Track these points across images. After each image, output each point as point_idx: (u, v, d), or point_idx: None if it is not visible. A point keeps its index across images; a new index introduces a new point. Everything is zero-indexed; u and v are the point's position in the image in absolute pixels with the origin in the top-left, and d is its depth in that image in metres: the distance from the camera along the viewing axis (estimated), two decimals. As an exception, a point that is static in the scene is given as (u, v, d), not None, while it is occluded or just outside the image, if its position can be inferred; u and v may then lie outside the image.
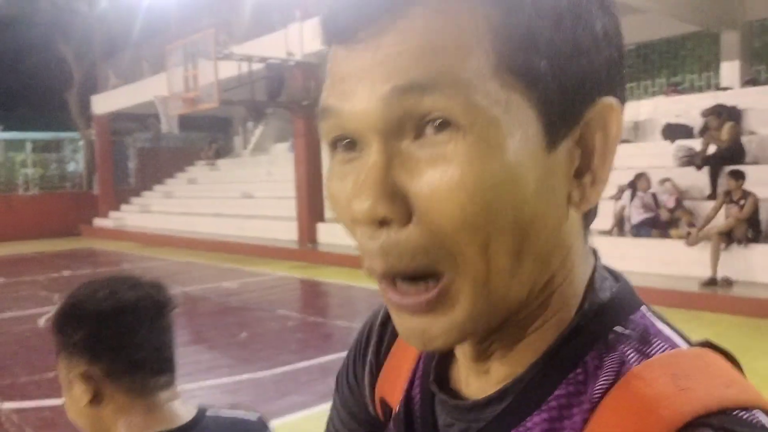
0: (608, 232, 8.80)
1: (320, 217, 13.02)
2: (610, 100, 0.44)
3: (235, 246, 13.81)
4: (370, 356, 0.62)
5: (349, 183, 0.43)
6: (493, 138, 0.40)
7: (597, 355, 0.44)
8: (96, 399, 1.06)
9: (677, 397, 0.39)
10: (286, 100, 12.97)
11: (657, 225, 8.31)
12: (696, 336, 0.46)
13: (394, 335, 0.60)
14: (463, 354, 0.50)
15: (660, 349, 0.43)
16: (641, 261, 8.05)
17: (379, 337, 0.62)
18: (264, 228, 14.49)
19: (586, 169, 0.45)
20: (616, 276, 0.50)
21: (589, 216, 0.48)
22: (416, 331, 0.44)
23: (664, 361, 0.42)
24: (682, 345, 0.44)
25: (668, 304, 7.06)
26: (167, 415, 1.09)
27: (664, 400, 0.39)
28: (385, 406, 0.59)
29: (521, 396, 0.45)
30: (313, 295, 9.88)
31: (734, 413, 0.38)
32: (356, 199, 0.41)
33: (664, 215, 8.31)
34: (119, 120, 21.33)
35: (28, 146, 21.50)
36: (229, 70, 12.34)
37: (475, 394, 0.49)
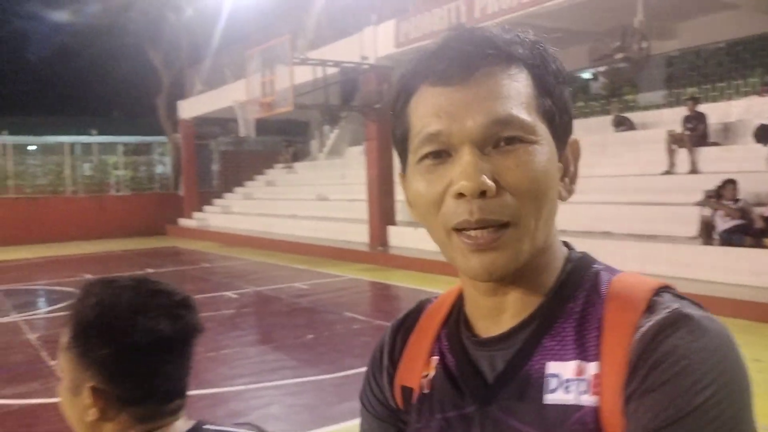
0: (694, 239, 8.33)
1: (391, 220, 13.02)
2: (574, 137, 0.75)
3: (309, 247, 14.04)
4: (386, 363, 0.83)
5: (442, 179, 0.66)
6: (543, 147, 0.68)
7: (589, 279, 0.72)
8: (102, 417, 1.01)
9: (644, 282, 0.69)
10: (359, 104, 13.06)
11: (749, 233, 7.78)
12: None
13: (405, 337, 0.83)
14: (477, 308, 0.75)
15: (620, 272, 0.73)
16: (730, 271, 7.58)
17: (392, 345, 0.84)
18: (337, 230, 14.66)
19: (566, 175, 0.74)
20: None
21: None
22: (485, 264, 0.66)
23: (627, 274, 0.72)
24: None
25: (758, 319, 6.59)
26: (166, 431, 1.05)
27: (639, 283, 0.69)
28: (406, 390, 0.79)
29: (549, 312, 0.70)
30: (381, 299, 9.88)
31: (670, 290, 0.68)
32: (465, 180, 0.64)
33: (758, 223, 7.76)
34: (204, 124, 22.19)
35: (120, 149, 22.74)
36: (304, 74, 12.56)
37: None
